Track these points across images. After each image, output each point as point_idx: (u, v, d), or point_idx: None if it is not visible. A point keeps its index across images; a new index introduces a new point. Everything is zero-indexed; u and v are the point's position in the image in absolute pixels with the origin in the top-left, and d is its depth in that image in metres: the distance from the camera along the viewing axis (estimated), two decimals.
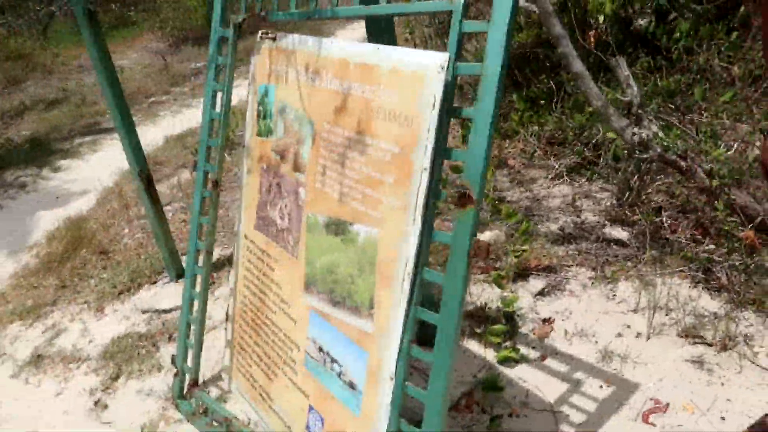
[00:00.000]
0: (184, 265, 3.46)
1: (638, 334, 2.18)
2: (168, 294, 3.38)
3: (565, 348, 2.22)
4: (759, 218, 2.10)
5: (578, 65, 2.31)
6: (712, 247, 2.41)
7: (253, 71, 2.29)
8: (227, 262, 3.51)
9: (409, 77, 1.57)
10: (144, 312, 3.25)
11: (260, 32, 2.20)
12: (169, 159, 5.50)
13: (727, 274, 2.15)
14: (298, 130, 2.05)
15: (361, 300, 1.74)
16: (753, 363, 1.94)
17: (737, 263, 2.15)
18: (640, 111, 2.24)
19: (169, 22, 11.03)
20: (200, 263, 2.50)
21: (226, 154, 2.88)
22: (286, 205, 2.15)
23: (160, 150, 5.80)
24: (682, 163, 2.20)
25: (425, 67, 1.52)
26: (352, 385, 1.76)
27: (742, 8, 2.86)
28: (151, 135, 6.21)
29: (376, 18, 1.88)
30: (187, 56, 10.00)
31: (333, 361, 1.86)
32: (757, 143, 2.44)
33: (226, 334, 2.47)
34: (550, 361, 2.18)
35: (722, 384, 1.91)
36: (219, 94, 2.37)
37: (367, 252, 1.72)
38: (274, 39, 2.14)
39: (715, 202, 2.15)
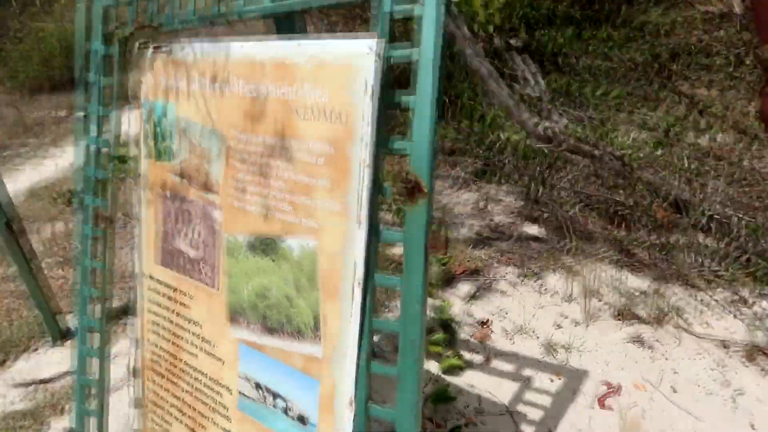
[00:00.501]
0: (68, 325, 3.05)
1: (576, 323, 2.18)
2: (51, 360, 2.93)
3: (507, 347, 2.16)
4: (671, 196, 2.20)
5: (486, 66, 2.33)
6: (623, 233, 2.50)
7: (145, 90, 2.05)
8: (121, 314, 3.12)
9: (336, 67, 1.44)
10: (22, 386, 2.78)
11: (152, 46, 1.98)
12: (37, 212, 4.90)
13: (648, 254, 2.22)
14: (207, 146, 1.84)
15: (304, 321, 1.56)
16: (689, 333, 1.99)
17: (656, 242, 2.23)
18: (549, 106, 2.30)
19: (22, 72, 10.01)
20: (95, 314, 2.17)
21: None
22: (198, 233, 1.91)
23: (24, 204, 5.15)
24: (595, 152, 2.27)
25: (352, 53, 1.40)
26: (302, 420, 1.56)
27: (624, 8, 3.08)
28: (10, 189, 5.50)
29: (287, 15, 1.73)
30: (44, 105, 9.13)
31: (275, 396, 1.64)
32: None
33: (134, 391, 2.14)
34: (495, 363, 2.11)
35: (666, 358, 1.94)
36: (104, 120, 2.10)
37: (305, 266, 1.55)
38: (169, 52, 1.93)
39: (632, 185, 2.23)
